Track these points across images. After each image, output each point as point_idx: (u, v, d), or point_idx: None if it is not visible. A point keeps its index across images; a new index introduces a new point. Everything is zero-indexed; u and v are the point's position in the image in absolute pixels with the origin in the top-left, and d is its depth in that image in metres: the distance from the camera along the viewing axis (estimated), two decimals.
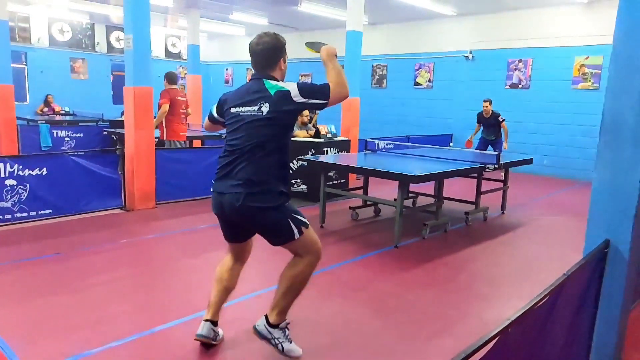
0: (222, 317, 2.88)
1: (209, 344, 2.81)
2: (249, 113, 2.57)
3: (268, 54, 2.65)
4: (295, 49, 13.21)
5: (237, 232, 2.78)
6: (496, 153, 6.01)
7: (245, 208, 2.51)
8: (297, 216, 2.60)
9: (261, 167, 2.52)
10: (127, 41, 6.07)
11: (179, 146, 7.27)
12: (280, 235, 2.58)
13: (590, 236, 2.32)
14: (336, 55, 2.70)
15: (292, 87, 2.56)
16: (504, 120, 9.06)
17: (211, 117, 2.89)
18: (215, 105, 2.86)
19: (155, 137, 6.57)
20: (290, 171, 2.65)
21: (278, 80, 2.66)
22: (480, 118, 9.31)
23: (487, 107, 9.07)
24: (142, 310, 3.38)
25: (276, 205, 2.53)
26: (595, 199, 2.31)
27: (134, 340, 2.92)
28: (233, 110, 2.65)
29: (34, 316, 3.22)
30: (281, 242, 2.61)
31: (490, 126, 9.23)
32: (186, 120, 7.58)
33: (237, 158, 2.55)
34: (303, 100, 2.54)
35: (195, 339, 2.78)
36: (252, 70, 2.74)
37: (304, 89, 2.56)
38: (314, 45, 2.85)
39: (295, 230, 2.55)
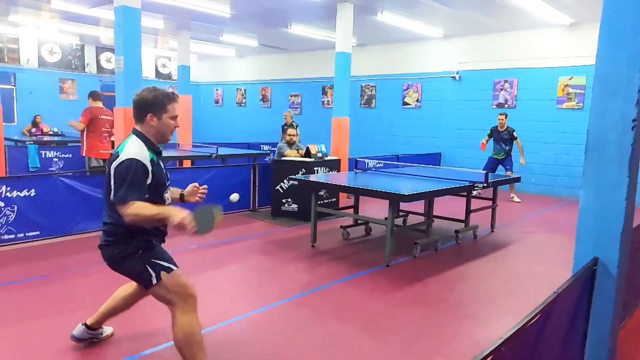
0: (214, 338, 2.83)
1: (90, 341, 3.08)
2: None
3: (136, 108, 2.63)
4: (284, 70, 13.43)
5: None
6: (485, 173, 6.07)
7: (106, 255, 2.66)
8: (158, 261, 2.59)
9: (111, 220, 2.61)
10: (118, 63, 6.11)
11: (96, 164, 7.27)
12: (140, 280, 2.64)
13: (579, 254, 2.35)
14: (183, 227, 2.36)
15: (126, 155, 2.46)
16: (517, 137, 8.95)
17: None
18: None
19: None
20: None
21: (142, 139, 2.57)
22: (494, 132, 9.16)
23: (502, 120, 8.95)
24: (132, 334, 3.33)
25: (131, 253, 2.57)
26: (582, 217, 2.35)
27: None
28: None
29: (20, 340, 3.16)
30: (145, 287, 2.64)
31: (502, 141, 9.07)
32: (109, 139, 7.45)
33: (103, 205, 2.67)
34: (111, 174, 2.48)
35: (71, 339, 3.06)
36: None
37: (122, 165, 2.44)
38: (205, 218, 2.48)
39: (153, 275, 2.56)
